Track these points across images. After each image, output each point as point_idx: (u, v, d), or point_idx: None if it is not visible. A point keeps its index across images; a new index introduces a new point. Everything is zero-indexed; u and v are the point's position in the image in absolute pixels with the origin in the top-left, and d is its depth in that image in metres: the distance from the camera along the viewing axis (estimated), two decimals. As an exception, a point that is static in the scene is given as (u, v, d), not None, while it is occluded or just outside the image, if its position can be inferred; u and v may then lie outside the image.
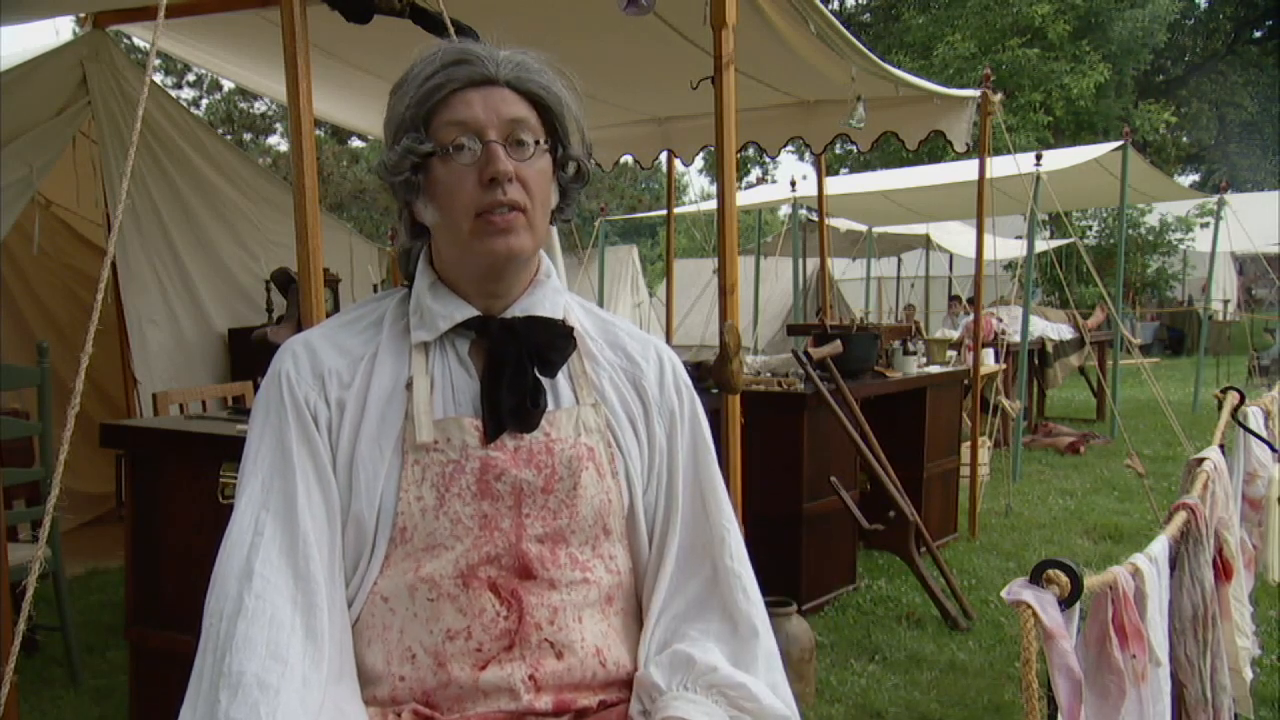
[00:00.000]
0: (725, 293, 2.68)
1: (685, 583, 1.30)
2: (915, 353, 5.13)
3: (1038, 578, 1.36)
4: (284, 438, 1.21)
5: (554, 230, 1.46)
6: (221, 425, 2.71)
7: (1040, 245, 9.75)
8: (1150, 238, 17.86)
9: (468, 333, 1.28)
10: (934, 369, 5.34)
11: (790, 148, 6.00)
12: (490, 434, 1.23)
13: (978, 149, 5.40)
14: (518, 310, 1.28)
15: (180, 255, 5.13)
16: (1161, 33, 18.83)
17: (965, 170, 7.27)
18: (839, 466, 4.18)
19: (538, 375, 1.26)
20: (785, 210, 12.37)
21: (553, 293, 1.32)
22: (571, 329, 1.31)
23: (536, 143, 1.24)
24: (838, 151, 16.18)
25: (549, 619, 1.23)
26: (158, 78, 11.97)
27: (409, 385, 1.24)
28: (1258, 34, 23.44)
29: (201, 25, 4.23)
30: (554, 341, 1.28)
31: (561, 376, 1.30)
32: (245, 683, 1.08)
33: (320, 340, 1.28)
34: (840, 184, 10.65)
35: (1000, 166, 5.80)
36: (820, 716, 3.22)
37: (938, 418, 5.20)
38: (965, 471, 5.53)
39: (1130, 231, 16.47)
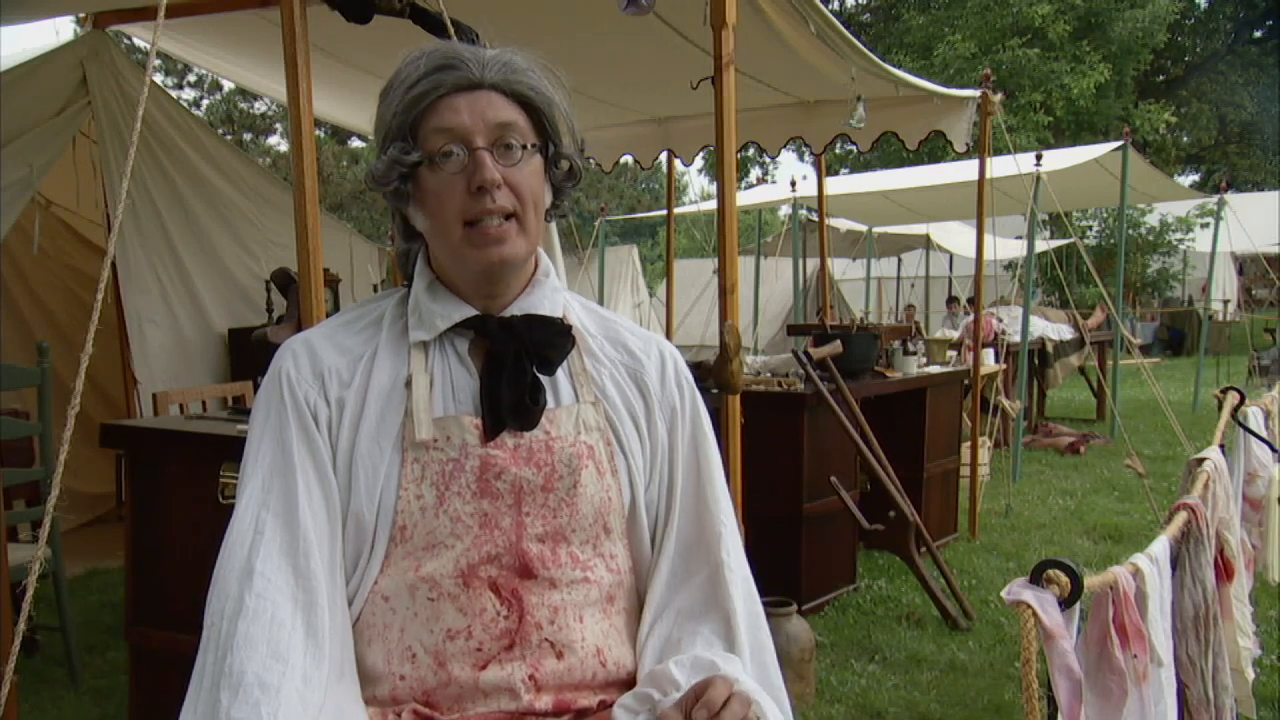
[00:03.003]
0: (725, 293, 2.68)
1: (686, 580, 1.30)
2: (915, 353, 5.13)
3: (1038, 578, 1.36)
4: (284, 437, 1.21)
5: (553, 228, 1.46)
6: (221, 425, 2.71)
7: (1040, 245, 9.75)
8: (1150, 238, 17.86)
9: (467, 331, 1.28)
10: (934, 369, 5.34)
11: (790, 148, 6.00)
12: (490, 432, 1.23)
13: (978, 149, 5.40)
14: (516, 309, 1.28)
15: (180, 255, 5.13)
16: (1161, 33, 18.79)
17: (965, 170, 7.27)
18: (839, 466, 4.18)
19: (536, 373, 1.26)
20: (785, 210, 12.37)
21: (551, 291, 1.32)
22: (570, 327, 1.31)
23: (524, 146, 1.23)
24: (838, 151, 16.17)
25: (549, 618, 1.23)
26: (158, 78, 11.97)
27: (408, 383, 1.24)
28: (1258, 34, 23.42)
29: (201, 25, 4.23)
30: (552, 339, 1.28)
31: (561, 374, 1.30)
32: (246, 682, 1.08)
33: (320, 339, 1.28)
34: (840, 184, 10.65)
35: (1000, 166, 5.79)
36: (820, 716, 3.22)
37: (938, 418, 5.20)
38: (965, 471, 5.53)
39: (1130, 231, 16.47)
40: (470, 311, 1.27)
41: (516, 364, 1.25)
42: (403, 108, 1.22)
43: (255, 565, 1.14)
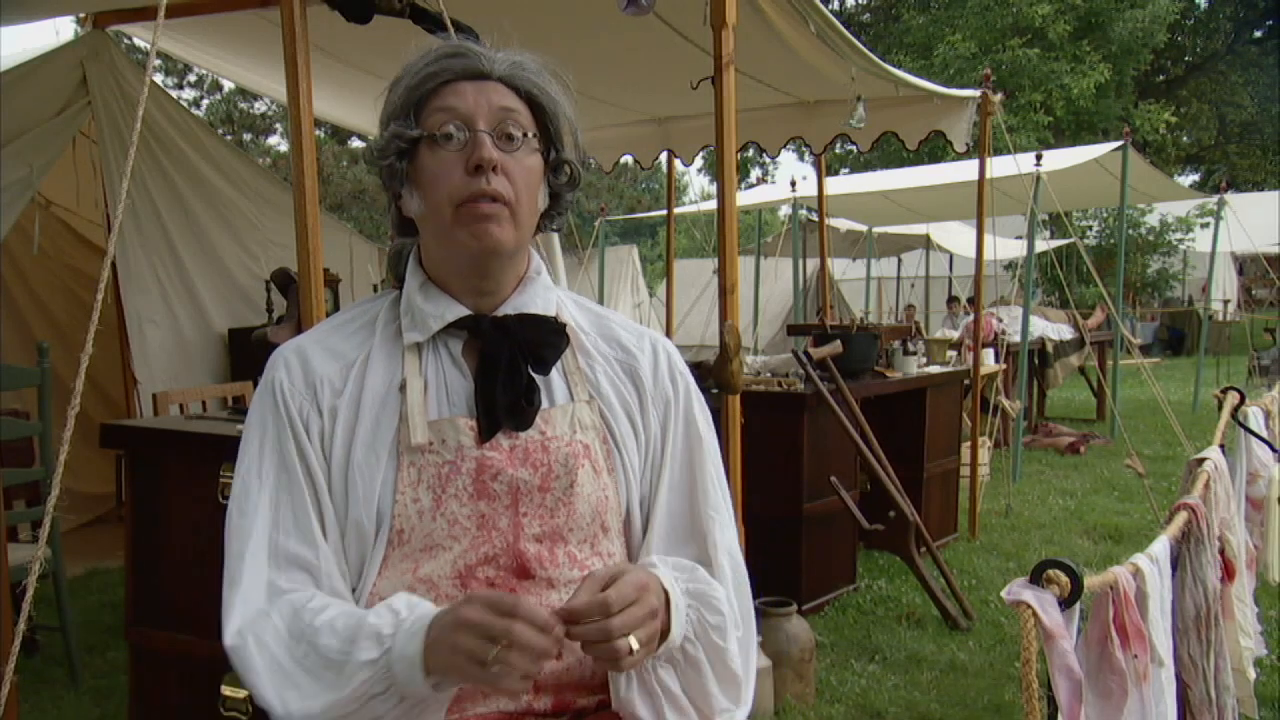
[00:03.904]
0: (725, 293, 2.68)
1: None
2: (915, 353, 5.12)
3: (1038, 578, 1.36)
4: (285, 453, 1.22)
5: (553, 233, 1.46)
6: (221, 425, 2.71)
7: (1040, 245, 9.74)
8: (1150, 238, 17.86)
9: (460, 333, 1.28)
10: (934, 369, 5.34)
11: (790, 148, 6.00)
12: (485, 433, 1.23)
13: (978, 149, 5.40)
14: (509, 308, 1.28)
15: (180, 255, 5.13)
16: (1161, 33, 18.78)
17: (965, 170, 7.27)
18: (839, 466, 4.17)
19: (531, 373, 1.26)
20: (785, 210, 12.37)
21: (544, 289, 1.32)
22: (564, 325, 1.31)
23: (525, 136, 1.23)
24: (838, 151, 16.18)
25: (548, 619, 1.22)
26: (158, 78, 11.98)
27: (403, 387, 1.24)
28: (1258, 34, 23.40)
29: (201, 25, 4.23)
30: (546, 339, 1.28)
31: (556, 373, 1.30)
32: (303, 622, 1.14)
33: (312, 345, 1.28)
34: (840, 184, 10.65)
35: (1000, 166, 5.79)
36: (820, 716, 3.22)
37: (938, 418, 5.20)
38: (965, 471, 5.53)
39: (1130, 231, 16.46)
40: (463, 311, 1.26)
41: (511, 364, 1.25)
42: (409, 87, 1.23)
43: (282, 585, 1.18)
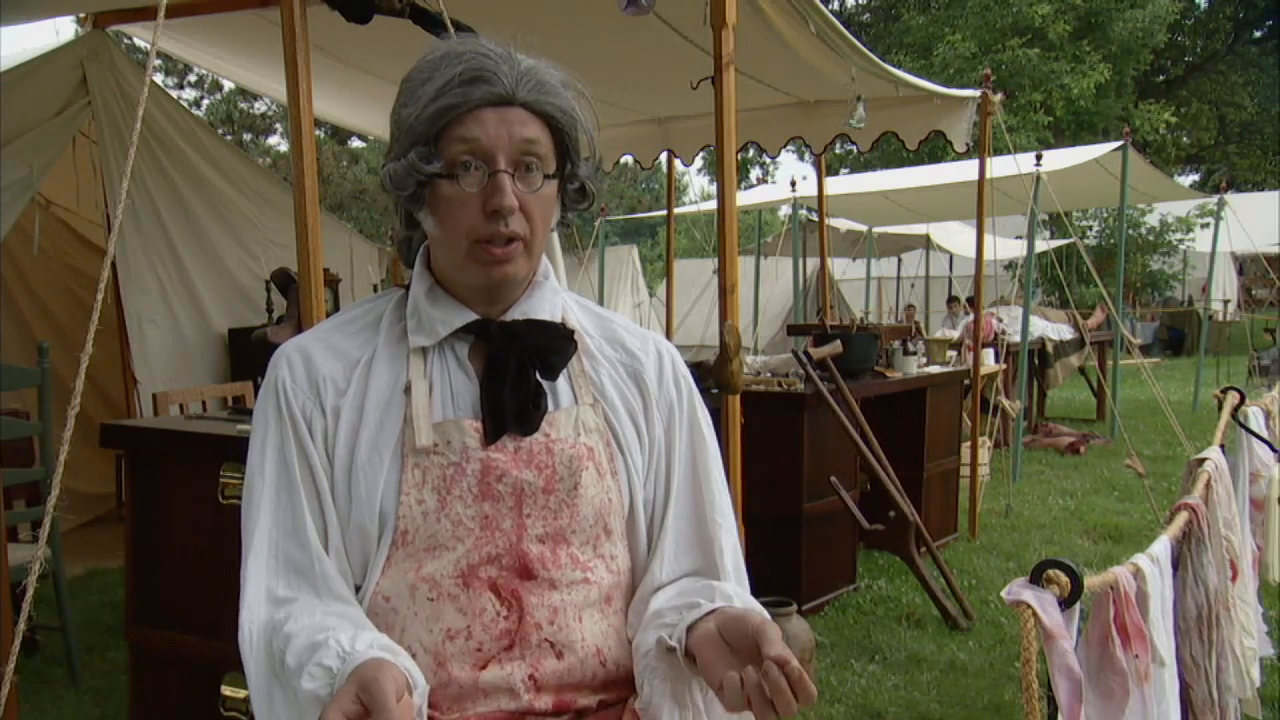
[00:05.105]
0: (725, 293, 2.68)
1: (677, 576, 1.30)
2: (915, 353, 5.12)
3: (1038, 578, 1.36)
4: (285, 449, 1.22)
5: (553, 233, 1.45)
6: (221, 425, 2.70)
7: (1040, 245, 9.74)
8: (1150, 238, 17.86)
9: (467, 336, 1.28)
10: (934, 369, 5.34)
11: (790, 148, 6.00)
12: (491, 436, 1.23)
13: (978, 149, 5.40)
14: (517, 313, 1.28)
15: (180, 255, 5.13)
16: (1161, 33, 18.79)
17: (965, 170, 7.27)
18: (839, 466, 4.17)
19: (539, 379, 1.26)
20: (785, 210, 12.37)
21: (550, 293, 1.31)
22: (572, 331, 1.30)
23: (545, 176, 1.22)
24: (838, 151, 16.18)
25: (549, 619, 1.23)
26: (158, 78, 11.98)
27: (407, 389, 1.24)
28: (1258, 34, 23.41)
29: (201, 25, 4.23)
30: (554, 344, 1.28)
31: (560, 376, 1.30)
32: (296, 644, 1.12)
33: (315, 344, 1.28)
34: (840, 184, 10.65)
35: (1000, 166, 5.79)
36: (820, 716, 3.22)
37: (938, 418, 5.20)
38: (965, 471, 5.53)
39: (1130, 231, 16.46)
40: (471, 316, 1.26)
41: (519, 370, 1.25)
42: (428, 116, 1.18)
43: (279, 592, 1.19)
